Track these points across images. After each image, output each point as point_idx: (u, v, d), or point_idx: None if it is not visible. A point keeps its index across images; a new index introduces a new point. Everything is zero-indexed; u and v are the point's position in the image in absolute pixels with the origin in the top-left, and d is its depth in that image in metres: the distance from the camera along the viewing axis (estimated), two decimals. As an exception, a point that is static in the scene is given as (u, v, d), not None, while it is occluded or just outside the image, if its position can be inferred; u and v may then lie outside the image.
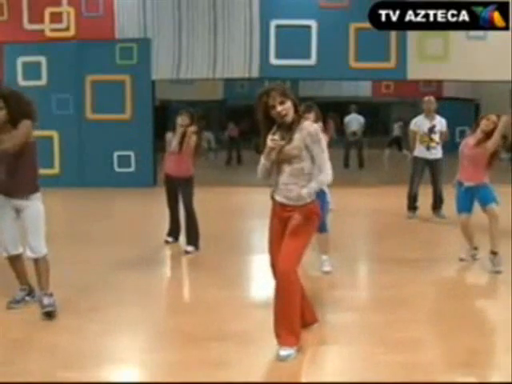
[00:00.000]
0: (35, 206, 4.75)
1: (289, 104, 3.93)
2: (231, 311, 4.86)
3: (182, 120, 6.92)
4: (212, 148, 21.08)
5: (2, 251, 4.87)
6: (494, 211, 6.06)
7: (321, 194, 6.27)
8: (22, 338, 4.29)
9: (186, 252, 6.87)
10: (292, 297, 3.94)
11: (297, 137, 3.95)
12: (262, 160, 4.08)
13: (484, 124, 6.07)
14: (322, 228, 6.25)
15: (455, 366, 3.85)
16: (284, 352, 3.89)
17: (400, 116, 21.85)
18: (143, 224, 9.04)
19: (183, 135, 6.88)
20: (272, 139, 3.95)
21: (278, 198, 4.10)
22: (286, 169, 4.01)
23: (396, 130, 19.33)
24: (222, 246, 7.25)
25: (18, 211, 4.74)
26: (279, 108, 3.90)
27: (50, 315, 4.65)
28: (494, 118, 6.06)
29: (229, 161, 19.12)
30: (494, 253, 6.07)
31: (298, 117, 4.00)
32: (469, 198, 6.21)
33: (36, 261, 4.81)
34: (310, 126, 4.02)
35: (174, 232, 7.30)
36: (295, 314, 3.97)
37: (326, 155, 4.05)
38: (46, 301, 4.73)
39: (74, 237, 7.91)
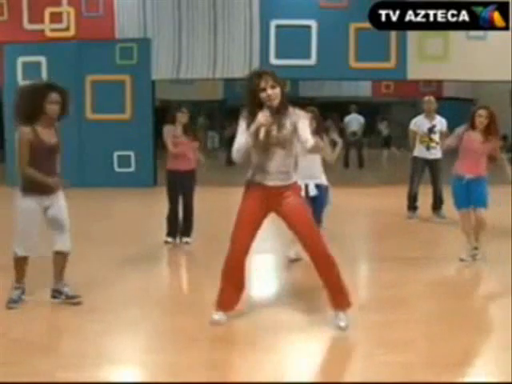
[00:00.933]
0: (62, 199, 4.96)
1: (278, 90, 4.09)
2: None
3: (182, 117, 7.08)
4: (216, 148, 21.18)
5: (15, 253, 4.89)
6: (482, 217, 6.31)
7: (323, 189, 6.39)
8: (22, 338, 4.28)
9: (187, 243, 7.13)
10: (336, 265, 4.32)
11: (287, 121, 4.13)
12: (245, 139, 4.12)
13: (479, 122, 6.24)
14: (317, 223, 6.35)
15: (455, 365, 3.85)
16: (343, 323, 4.27)
17: (383, 116, 21.98)
18: (143, 224, 9.03)
19: (185, 128, 7.10)
20: (263, 115, 4.05)
21: (270, 183, 4.22)
22: (280, 152, 4.17)
23: (384, 130, 19.38)
24: (223, 246, 7.23)
25: (46, 209, 4.83)
26: (269, 91, 4.05)
27: (79, 303, 4.95)
28: (484, 112, 6.24)
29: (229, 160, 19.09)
30: (476, 248, 6.43)
31: (284, 105, 4.15)
32: (466, 192, 6.31)
33: (64, 255, 4.99)
34: (299, 111, 4.23)
35: (173, 232, 7.30)
36: (342, 277, 4.35)
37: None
38: (70, 291, 5.01)
39: (74, 236, 7.82)
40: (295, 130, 4.14)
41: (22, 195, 4.76)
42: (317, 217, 6.39)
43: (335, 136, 6.77)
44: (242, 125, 4.20)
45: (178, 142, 7.05)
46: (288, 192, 4.25)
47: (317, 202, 6.29)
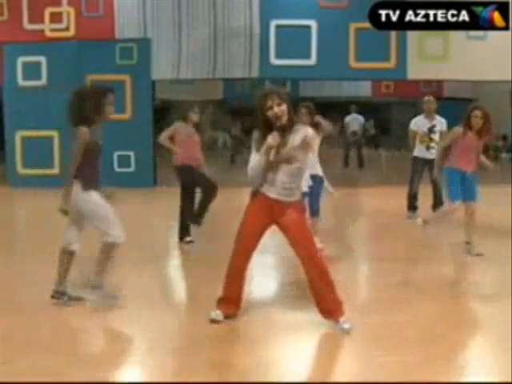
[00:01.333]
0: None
1: (284, 107, 4.23)
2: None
3: (196, 117, 7.25)
4: (227, 148, 21.24)
5: (113, 239, 4.79)
6: (474, 209, 6.60)
7: (317, 180, 6.49)
8: (23, 337, 4.29)
9: (191, 242, 7.17)
10: (329, 274, 4.36)
11: (292, 138, 4.25)
12: (259, 159, 4.27)
13: (475, 123, 6.50)
14: (315, 213, 6.44)
15: (454, 365, 3.86)
16: (347, 325, 4.27)
17: (371, 114, 22.05)
18: (143, 224, 9.03)
19: (196, 127, 7.29)
20: (272, 137, 4.21)
21: (273, 195, 4.34)
22: (285, 168, 4.28)
23: (371, 129, 19.40)
24: (227, 245, 7.24)
25: None
26: (276, 109, 4.20)
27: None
28: (479, 113, 6.51)
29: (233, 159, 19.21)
30: (468, 243, 6.60)
31: (291, 122, 4.28)
32: (461, 185, 6.57)
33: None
34: (306, 129, 4.34)
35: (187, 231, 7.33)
36: (336, 293, 4.37)
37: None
38: (73, 292, 4.96)
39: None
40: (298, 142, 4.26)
41: (86, 191, 4.88)
42: (313, 208, 6.52)
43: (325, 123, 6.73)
44: (253, 145, 4.37)
45: (190, 140, 7.16)
46: (290, 209, 4.34)
47: (312, 193, 6.39)
